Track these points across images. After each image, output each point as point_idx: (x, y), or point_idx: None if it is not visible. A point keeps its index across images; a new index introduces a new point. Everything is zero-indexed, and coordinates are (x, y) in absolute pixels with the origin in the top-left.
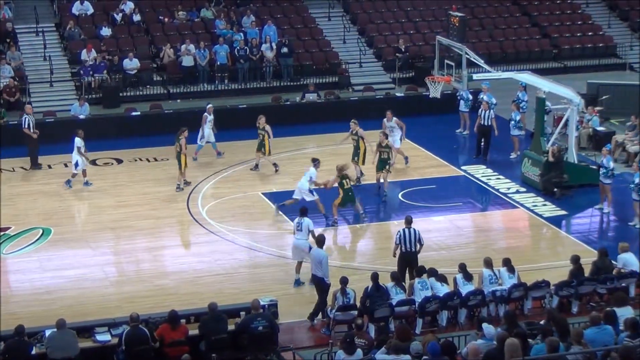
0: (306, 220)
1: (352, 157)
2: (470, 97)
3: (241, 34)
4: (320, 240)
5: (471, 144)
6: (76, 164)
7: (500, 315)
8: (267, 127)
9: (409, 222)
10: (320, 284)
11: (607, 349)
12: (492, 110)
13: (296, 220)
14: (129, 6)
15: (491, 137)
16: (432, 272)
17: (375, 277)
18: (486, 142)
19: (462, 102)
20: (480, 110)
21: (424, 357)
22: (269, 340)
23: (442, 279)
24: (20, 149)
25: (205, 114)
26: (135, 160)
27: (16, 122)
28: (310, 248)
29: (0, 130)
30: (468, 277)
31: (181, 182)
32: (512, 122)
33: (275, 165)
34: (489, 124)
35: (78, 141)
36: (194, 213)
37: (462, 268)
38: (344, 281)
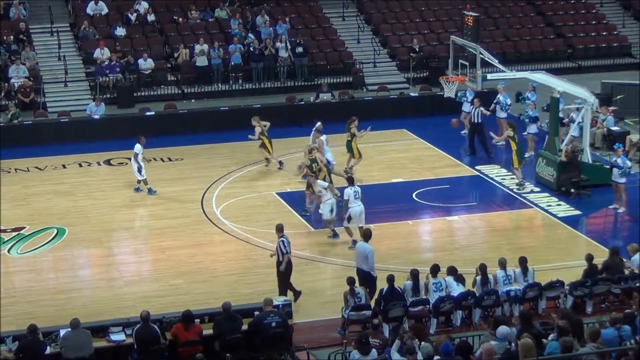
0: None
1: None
2: (469, 97)
3: (251, 35)
4: (366, 234)
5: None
6: (139, 170)
7: (514, 315)
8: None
9: (281, 230)
10: (367, 278)
11: (622, 348)
12: (482, 107)
13: (353, 189)
14: (143, 6)
15: (484, 133)
16: (451, 271)
17: (391, 279)
18: (481, 138)
19: (465, 103)
20: (470, 107)
21: (436, 357)
22: (283, 340)
23: (460, 278)
24: (35, 148)
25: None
26: (150, 160)
27: (30, 122)
28: None
29: (0, 130)
30: (484, 280)
31: (350, 167)
32: (527, 119)
33: (280, 163)
34: (479, 121)
35: (137, 147)
36: (208, 213)
37: (483, 270)
38: (351, 282)
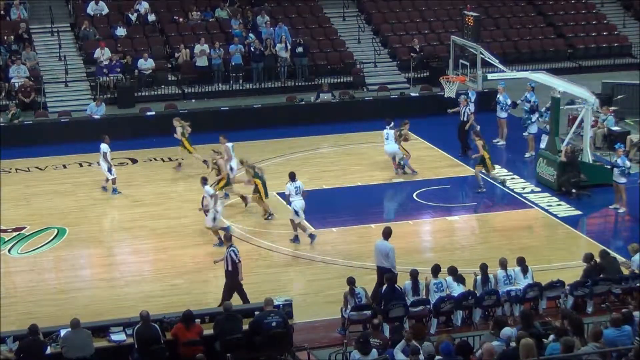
0: (300, 182)
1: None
2: (472, 97)
3: (251, 34)
4: (386, 233)
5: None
6: (109, 170)
7: (515, 315)
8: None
9: (229, 239)
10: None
11: (623, 348)
12: (469, 106)
13: (295, 184)
14: (143, 6)
15: (468, 131)
16: (451, 271)
17: (391, 278)
18: (466, 137)
19: (470, 103)
20: (460, 106)
21: (438, 357)
22: (283, 340)
23: (460, 279)
24: (36, 148)
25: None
26: (150, 160)
27: (31, 122)
28: None
29: (1, 130)
30: (485, 280)
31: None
32: (529, 120)
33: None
34: (467, 119)
35: (105, 147)
36: None
37: (483, 270)
38: (351, 282)
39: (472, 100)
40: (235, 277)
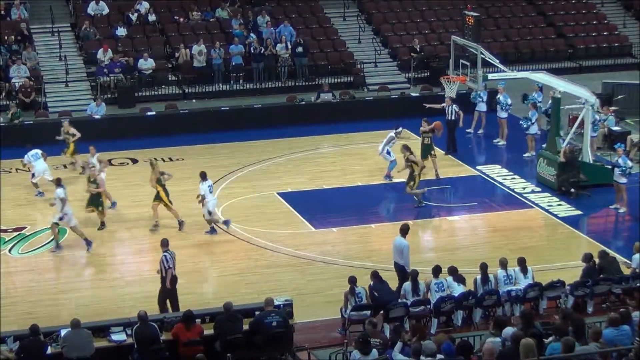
0: (211, 182)
1: None
2: (484, 97)
3: (252, 34)
4: (403, 229)
5: (486, 143)
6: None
7: (515, 315)
8: None
9: (166, 244)
10: (402, 272)
11: (624, 348)
12: (455, 105)
13: (207, 183)
14: (144, 6)
15: (455, 130)
16: (451, 271)
17: (375, 274)
18: (452, 135)
19: (480, 103)
20: (444, 105)
21: (439, 356)
22: (284, 340)
23: (460, 279)
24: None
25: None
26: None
27: (31, 122)
28: None
29: (1, 130)
30: (485, 279)
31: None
32: (529, 121)
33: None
34: (453, 118)
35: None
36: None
37: (483, 269)
38: (352, 281)
39: (484, 100)
40: (169, 283)
